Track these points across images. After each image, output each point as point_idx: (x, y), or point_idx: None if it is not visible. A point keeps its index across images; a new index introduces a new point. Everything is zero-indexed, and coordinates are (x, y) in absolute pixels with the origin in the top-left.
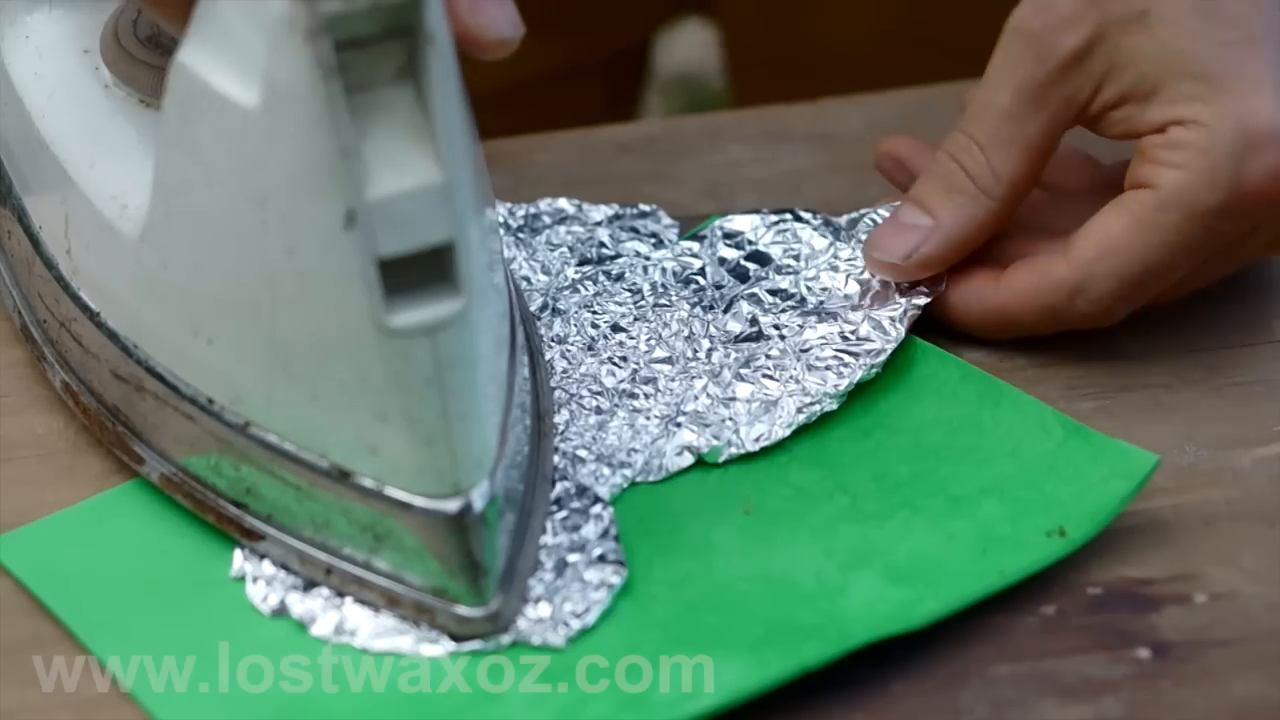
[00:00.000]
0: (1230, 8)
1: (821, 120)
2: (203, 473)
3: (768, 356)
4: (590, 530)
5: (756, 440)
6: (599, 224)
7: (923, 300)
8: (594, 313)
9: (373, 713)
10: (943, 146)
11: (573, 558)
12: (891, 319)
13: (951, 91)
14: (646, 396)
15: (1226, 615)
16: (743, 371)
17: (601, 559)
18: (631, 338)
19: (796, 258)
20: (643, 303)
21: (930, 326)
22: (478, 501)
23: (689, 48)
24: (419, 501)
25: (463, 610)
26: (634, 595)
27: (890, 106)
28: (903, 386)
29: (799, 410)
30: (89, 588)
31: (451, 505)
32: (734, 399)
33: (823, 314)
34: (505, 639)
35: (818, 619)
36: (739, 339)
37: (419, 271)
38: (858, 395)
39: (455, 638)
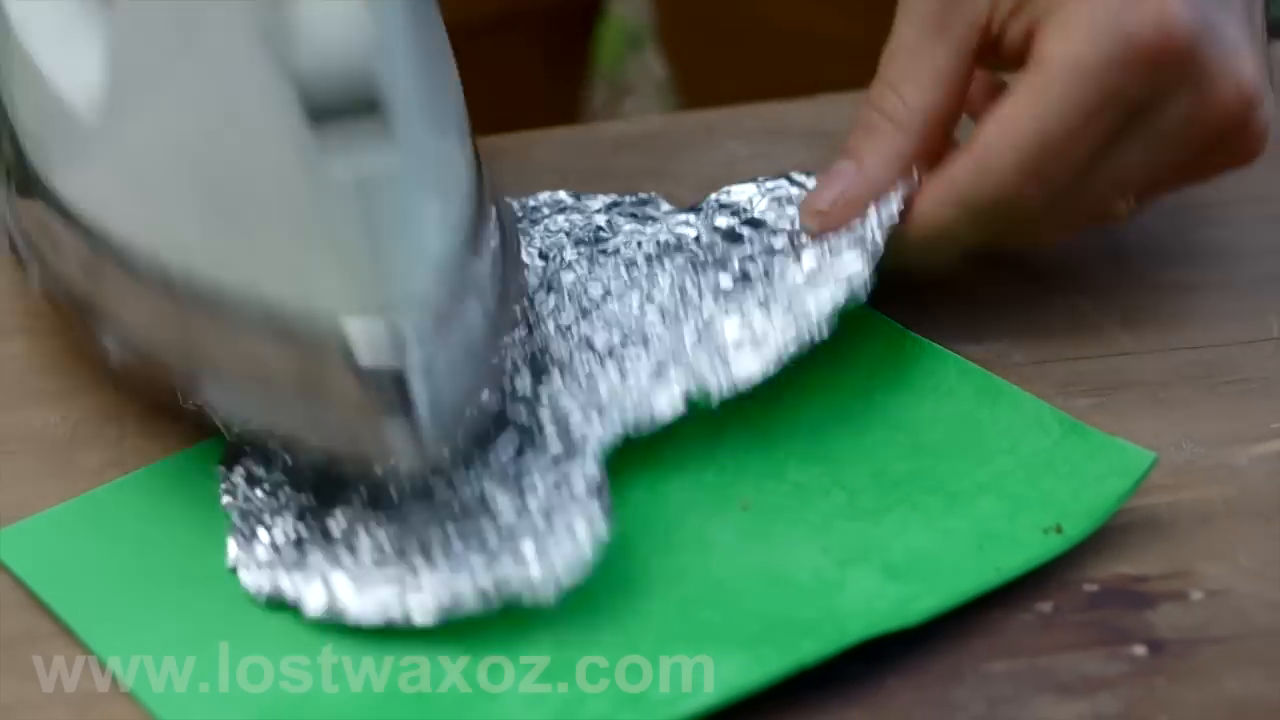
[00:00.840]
0: None
1: (820, 117)
2: (156, 344)
3: (758, 301)
4: (579, 486)
5: (747, 380)
6: (598, 211)
7: (896, 204)
8: (586, 285)
9: (373, 712)
10: (864, 101)
11: (561, 515)
12: (873, 230)
13: None
14: (638, 357)
15: (1222, 612)
16: (731, 316)
17: (588, 517)
18: (623, 303)
19: (793, 221)
20: (636, 272)
21: (927, 324)
22: (411, 337)
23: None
24: (353, 332)
25: (399, 446)
26: (631, 592)
27: None
28: (900, 384)
29: (788, 345)
30: (87, 583)
31: (383, 339)
32: (725, 344)
33: (807, 248)
34: (494, 596)
35: (815, 615)
36: (731, 292)
37: (344, 102)
38: (854, 392)
39: (397, 486)
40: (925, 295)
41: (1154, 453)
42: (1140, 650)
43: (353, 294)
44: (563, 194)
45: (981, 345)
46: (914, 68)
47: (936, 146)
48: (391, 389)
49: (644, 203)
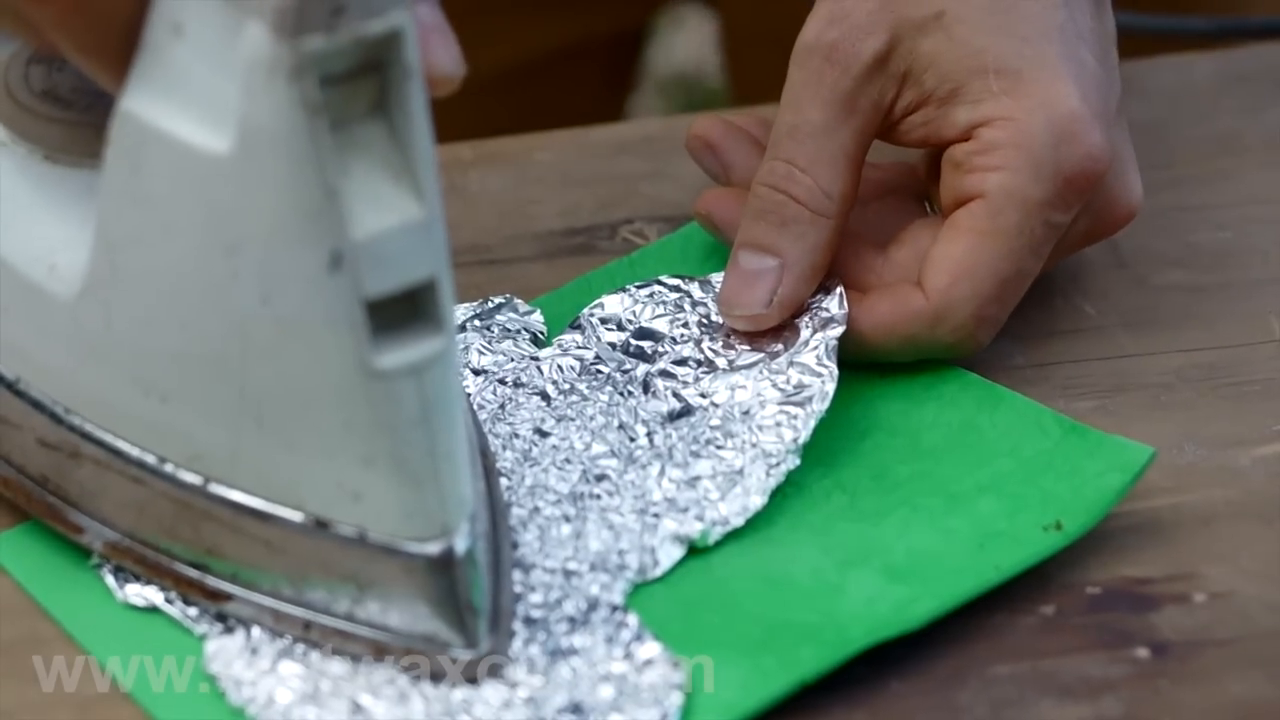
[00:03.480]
0: (1024, 6)
1: None
2: (153, 537)
3: (711, 427)
4: (627, 637)
5: (740, 514)
6: (462, 329)
7: (838, 330)
8: (510, 424)
9: None
10: (759, 180)
11: (620, 668)
12: (818, 358)
13: None
14: (609, 494)
15: (1225, 615)
16: (694, 448)
17: (650, 663)
18: (562, 439)
19: (685, 325)
20: (555, 403)
21: None
22: (464, 541)
23: (689, 46)
24: (407, 546)
25: (456, 654)
26: (633, 594)
27: None
28: (902, 393)
29: (768, 474)
30: (86, 586)
31: (440, 547)
32: (698, 478)
33: (741, 370)
34: None
35: (816, 618)
36: (673, 417)
37: (397, 311)
38: (856, 400)
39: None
40: None
41: (1152, 447)
42: (1143, 652)
43: (418, 517)
44: None
45: (982, 349)
46: (827, 152)
47: (845, 228)
48: (453, 598)
49: (501, 307)
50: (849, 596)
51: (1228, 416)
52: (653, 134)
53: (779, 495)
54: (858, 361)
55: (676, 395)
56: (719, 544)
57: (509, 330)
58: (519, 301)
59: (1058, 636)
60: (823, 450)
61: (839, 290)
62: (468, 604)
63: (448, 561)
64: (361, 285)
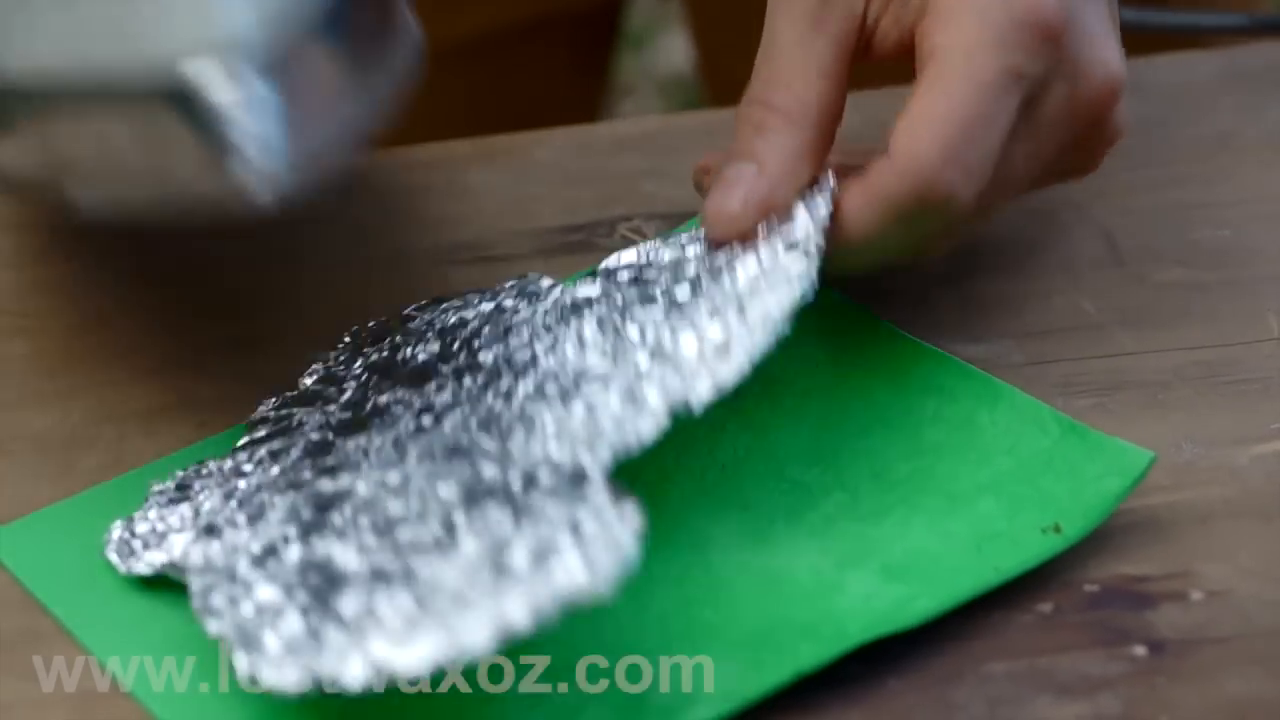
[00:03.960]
0: None
1: None
2: (25, 171)
3: (707, 312)
4: (590, 492)
5: (723, 383)
6: (485, 301)
7: (826, 194)
8: (511, 355)
9: (372, 712)
10: (743, 99)
11: (584, 514)
12: (809, 233)
13: None
14: (598, 392)
15: (1223, 613)
16: (679, 328)
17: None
18: (558, 355)
19: (695, 252)
20: (557, 330)
21: (927, 325)
22: (232, 74)
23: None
24: (177, 75)
25: (237, 181)
26: (631, 592)
27: (889, 101)
28: (901, 387)
29: (755, 346)
30: (86, 582)
31: (207, 78)
32: (689, 358)
33: (738, 261)
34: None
35: (814, 617)
36: (667, 314)
37: None
38: (855, 394)
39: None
40: (926, 295)
41: (1152, 452)
42: (1140, 650)
43: (177, 39)
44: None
45: (982, 345)
46: (800, 63)
47: (827, 140)
48: (218, 124)
49: (528, 283)
50: (847, 596)
51: (1226, 414)
52: (653, 131)
53: (779, 493)
54: (851, 276)
55: (672, 299)
56: (718, 542)
57: (526, 293)
58: (544, 277)
59: (1055, 634)
60: (822, 447)
61: (829, 172)
62: (240, 143)
63: (215, 108)
64: None
